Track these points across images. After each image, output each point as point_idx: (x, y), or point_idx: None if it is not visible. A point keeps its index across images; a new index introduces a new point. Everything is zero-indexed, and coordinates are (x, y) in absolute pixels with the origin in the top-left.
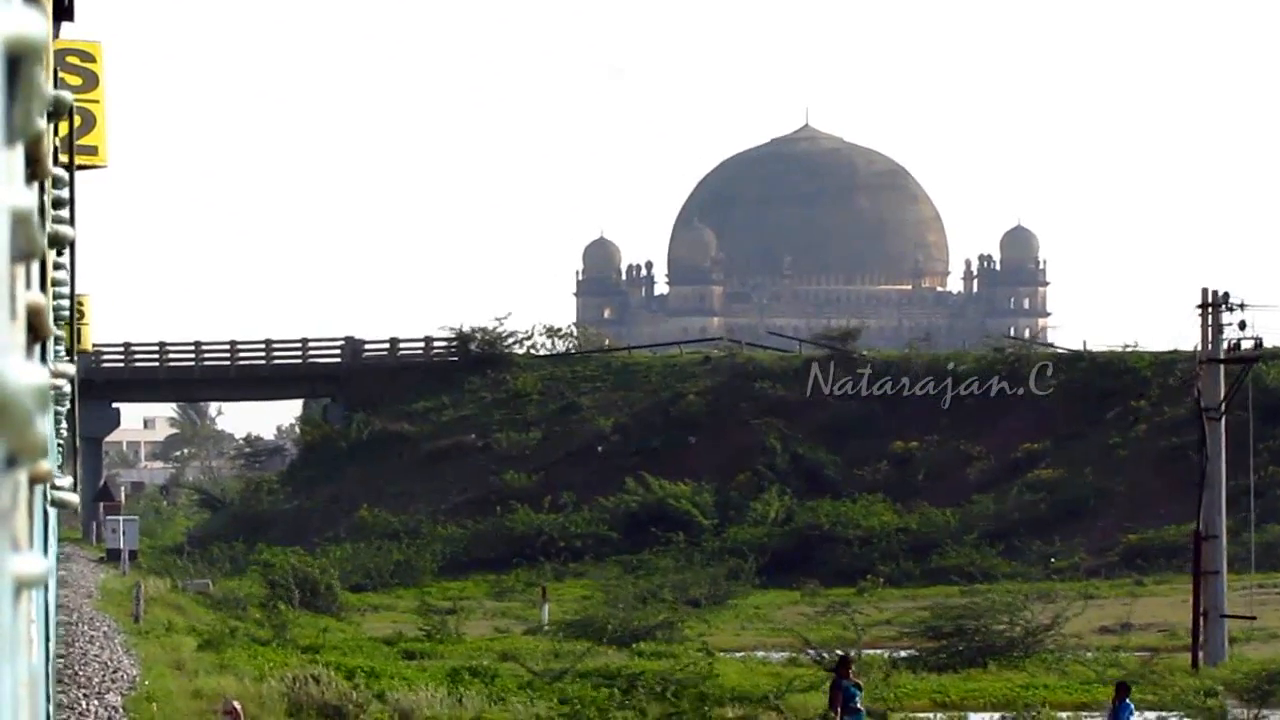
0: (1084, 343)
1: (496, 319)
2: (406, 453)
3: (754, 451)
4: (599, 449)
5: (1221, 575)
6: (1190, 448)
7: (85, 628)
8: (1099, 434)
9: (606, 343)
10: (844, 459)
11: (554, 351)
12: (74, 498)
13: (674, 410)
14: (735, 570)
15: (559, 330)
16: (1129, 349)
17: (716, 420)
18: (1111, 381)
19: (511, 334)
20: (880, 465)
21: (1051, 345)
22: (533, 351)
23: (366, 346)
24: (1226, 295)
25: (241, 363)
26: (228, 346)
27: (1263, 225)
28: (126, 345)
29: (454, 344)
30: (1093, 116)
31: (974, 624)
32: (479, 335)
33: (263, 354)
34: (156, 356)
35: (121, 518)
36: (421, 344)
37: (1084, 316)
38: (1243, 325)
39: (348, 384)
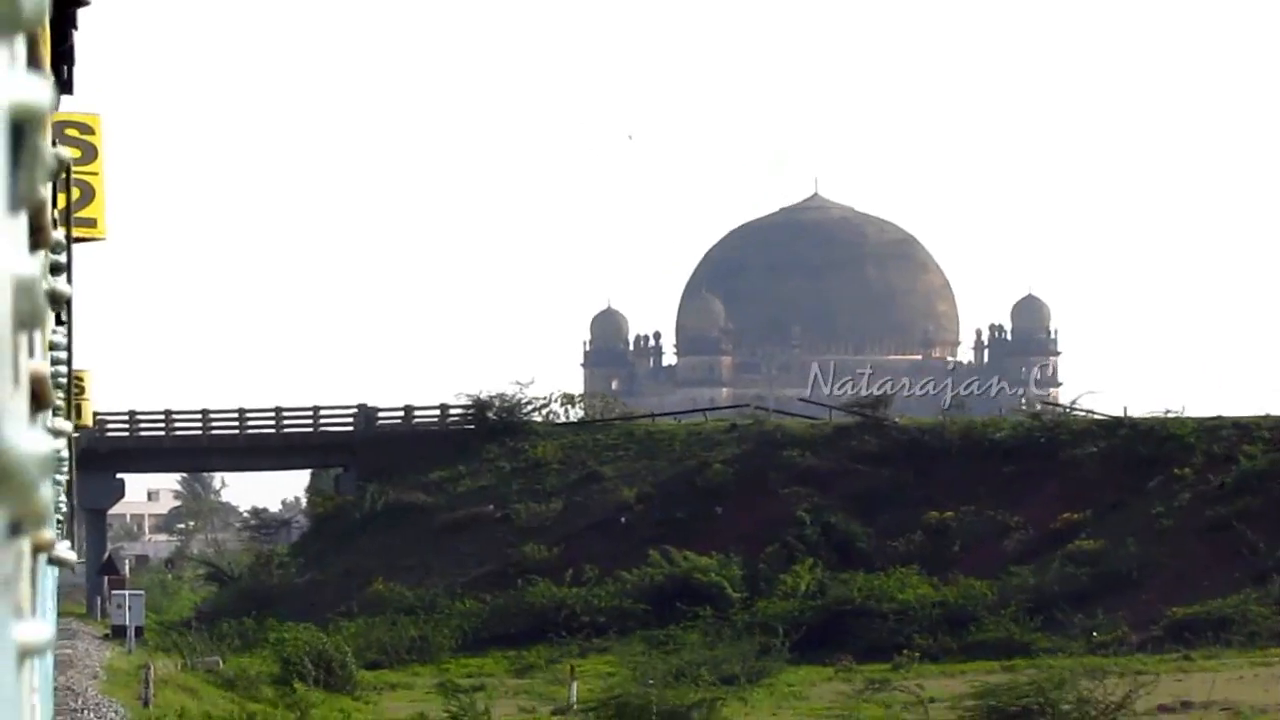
0: (1124, 409)
1: (519, 384)
2: (422, 524)
3: (783, 522)
4: (622, 520)
5: None
6: (1235, 517)
7: (91, 716)
8: (1141, 503)
9: (615, 410)
10: (876, 530)
11: (573, 419)
12: (72, 555)
13: (699, 480)
14: (766, 646)
15: (577, 398)
16: (1171, 415)
17: (744, 490)
18: (1154, 449)
19: (530, 401)
20: (914, 536)
21: (1090, 411)
22: (552, 419)
23: (380, 414)
24: None
25: (250, 431)
26: (236, 415)
27: None
28: (131, 414)
29: (471, 411)
30: (1104, 186)
31: (1040, 702)
32: (497, 402)
33: (273, 422)
34: (163, 425)
35: (127, 593)
36: (437, 412)
37: (1098, 386)
38: None
39: (361, 453)
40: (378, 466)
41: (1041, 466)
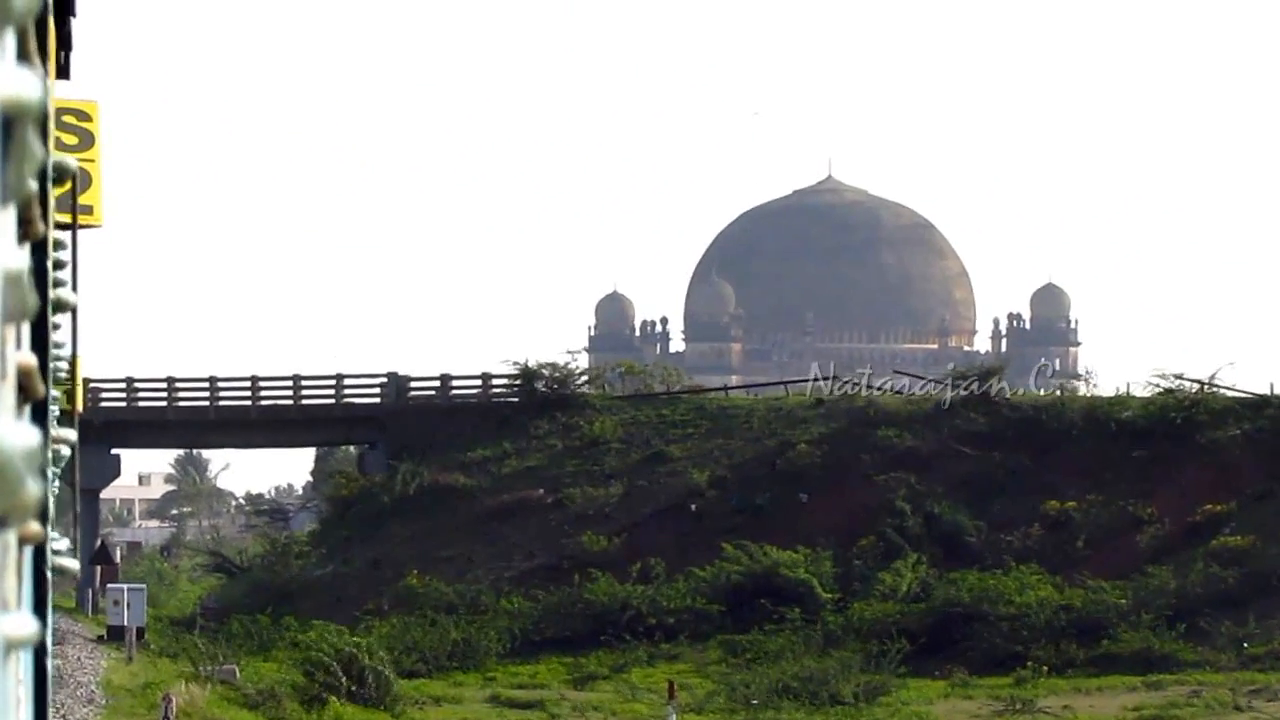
0: (1271, 386)
1: (569, 352)
2: (462, 510)
3: (879, 512)
4: (693, 507)
5: None
6: None
7: None
8: None
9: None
10: (987, 522)
11: (634, 392)
12: (74, 564)
13: (781, 462)
14: (877, 655)
15: (637, 368)
16: None
17: (833, 474)
18: None
19: (584, 372)
20: (1031, 529)
21: (1232, 388)
22: (608, 390)
23: (413, 384)
24: None
25: (264, 403)
26: (249, 384)
27: None
28: (129, 381)
29: (517, 382)
30: (1124, 173)
31: None
32: (546, 372)
33: (290, 393)
34: (164, 395)
35: (126, 586)
36: (478, 382)
37: (1120, 376)
38: None
39: (391, 428)
40: (410, 443)
41: (1177, 450)
